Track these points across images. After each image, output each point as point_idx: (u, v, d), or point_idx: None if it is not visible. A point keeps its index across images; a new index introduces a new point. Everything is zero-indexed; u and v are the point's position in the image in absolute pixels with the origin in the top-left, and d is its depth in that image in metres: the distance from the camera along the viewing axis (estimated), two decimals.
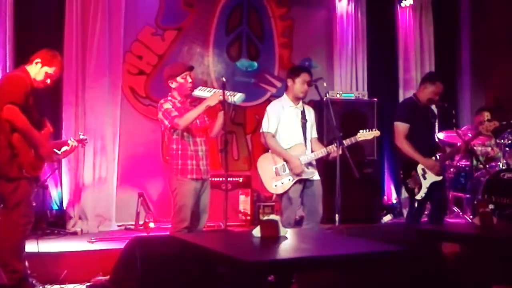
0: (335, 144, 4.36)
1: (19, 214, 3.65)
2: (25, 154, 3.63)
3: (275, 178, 4.49)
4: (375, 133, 4.63)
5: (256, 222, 5.85)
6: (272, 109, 4.60)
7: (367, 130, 4.60)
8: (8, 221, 3.64)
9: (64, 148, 4.07)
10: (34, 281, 3.84)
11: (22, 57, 5.21)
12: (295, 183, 4.45)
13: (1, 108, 3.56)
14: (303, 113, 4.62)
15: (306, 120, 4.61)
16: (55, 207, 5.72)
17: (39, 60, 3.82)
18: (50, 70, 3.87)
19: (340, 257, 2.39)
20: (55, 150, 3.98)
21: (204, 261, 2.77)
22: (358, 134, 4.56)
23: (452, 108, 5.21)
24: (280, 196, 4.50)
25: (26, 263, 3.79)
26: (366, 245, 2.71)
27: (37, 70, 3.81)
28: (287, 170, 4.47)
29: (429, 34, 7.59)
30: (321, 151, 4.53)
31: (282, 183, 4.46)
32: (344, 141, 4.36)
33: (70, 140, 4.13)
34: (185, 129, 4.14)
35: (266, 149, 4.71)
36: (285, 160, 4.49)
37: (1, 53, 5.39)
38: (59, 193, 5.74)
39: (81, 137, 4.35)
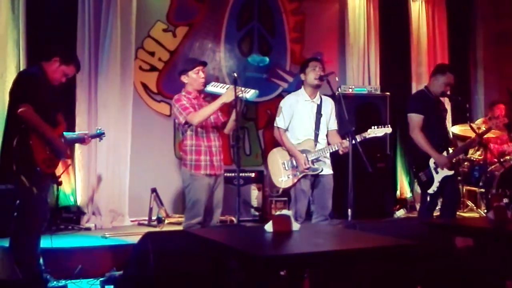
0: (347, 140, 4.34)
1: (37, 211, 3.68)
2: (39, 152, 3.65)
3: (282, 172, 4.51)
4: (386, 129, 4.54)
5: (268, 217, 5.86)
6: (286, 103, 4.60)
7: (378, 126, 4.54)
8: (26, 218, 3.67)
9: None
10: (48, 276, 3.88)
11: (35, 55, 5.27)
12: (301, 178, 4.45)
13: (16, 106, 3.59)
14: (319, 106, 4.60)
15: (321, 115, 4.59)
16: (69, 203, 5.76)
17: (57, 58, 3.84)
18: (67, 69, 3.90)
19: (353, 251, 2.39)
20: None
21: (217, 256, 2.78)
22: (369, 130, 4.50)
23: (466, 102, 5.18)
24: (289, 190, 4.51)
25: (41, 260, 3.83)
26: (378, 240, 2.70)
27: (54, 68, 3.83)
28: (295, 165, 4.48)
29: (442, 28, 7.53)
30: (329, 148, 4.51)
31: (288, 177, 4.48)
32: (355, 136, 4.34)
33: (86, 137, 4.19)
34: (199, 125, 4.15)
35: (277, 144, 4.72)
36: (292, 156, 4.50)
37: (14, 51, 5.44)
38: (72, 189, 5.79)
39: (98, 131, 4.40)
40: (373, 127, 4.52)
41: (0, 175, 3.90)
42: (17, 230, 3.69)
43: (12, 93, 3.75)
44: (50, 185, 3.89)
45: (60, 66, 3.85)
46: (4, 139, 3.77)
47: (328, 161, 4.59)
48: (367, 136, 4.49)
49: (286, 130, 4.57)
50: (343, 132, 4.62)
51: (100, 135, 4.40)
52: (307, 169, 4.43)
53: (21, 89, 3.66)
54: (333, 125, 4.71)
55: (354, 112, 6.26)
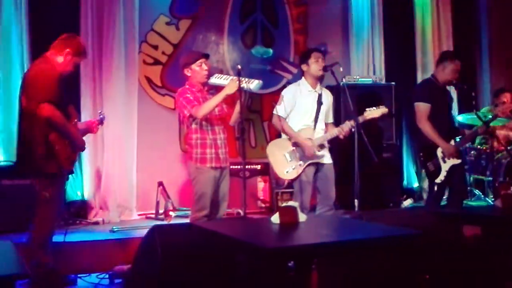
0: (346, 122, 4.34)
1: (51, 209, 3.68)
2: (63, 151, 3.64)
3: (285, 164, 4.50)
4: (383, 109, 4.51)
5: (275, 208, 5.87)
6: (288, 93, 4.59)
7: (374, 107, 4.52)
8: (39, 215, 3.68)
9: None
10: (59, 272, 3.87)
11: (38, 51, 5.25)
12: (306, 167, 4.44)
13: (37, 105, 3.53)
14: (320, 96, 4.59)
15: (322, 103, 4.58)
16: (76, 197, 5.78)
17: (68, 50, 3.79)
18: (78, 59, 3.89)
19: (360, 242, 2.39)
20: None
21: (224, 249, 2.78)
22: (365, 113, 4.48)
23: (472, 90, 5.14)
24: (293, 181, 4.51)
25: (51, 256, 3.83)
26: (385, 230, 2.70)
27: (67, 61, 3.80)
28: (298, 155, 4.47)
29: (447, 15, 7.46)
30: (330, 133, 4.51)
31: (293, 168, 4.47)
32: (352, 121, 4.35)
33: (94, 125, 4.17)
34: (203, 118, 4.15)
35: (280, 135, 4.71)
36: (294, 144, 4.49)
37: (18, 48, 5.45)
38: (80, 183, 5.80)
39: (102, 116, 4.36)
40: (367, 109, 4.49)
41: (20, 170, 3.90)
42: (33, 226, 3.71)
43: (30, 91, 3.63)
44: (67, 182, 3.89)
45: (73, 58, 3.83)
46: (22, 138, 3.74)
47: (328, 150, 4.60)
48: (366, 118, 4.46)
49: (285, 119, 4.56)
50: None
51: (103, 120, 4.37)
52: (315, 153, 4.41)
53: (40, 89, 3.58)
54: (331, 118, 4.73)
55: (359, 102, 6.22)
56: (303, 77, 4.64)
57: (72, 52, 3.80)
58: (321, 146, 4.52)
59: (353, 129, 4.38)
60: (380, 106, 4.54)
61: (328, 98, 4.68)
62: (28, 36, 5.47)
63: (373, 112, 4.49)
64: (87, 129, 4.18)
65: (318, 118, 4.56)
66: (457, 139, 4.81)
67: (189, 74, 4.26)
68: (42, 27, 5.53)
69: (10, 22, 5.42)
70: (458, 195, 4.82)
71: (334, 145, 4.61)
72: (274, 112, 4.60)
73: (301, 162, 4.46)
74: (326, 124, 4.66)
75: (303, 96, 4.55)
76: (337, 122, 5.38)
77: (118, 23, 5.85)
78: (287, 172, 4.49)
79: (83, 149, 3.92)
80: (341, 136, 4.46)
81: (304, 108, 4.54)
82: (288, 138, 4.56)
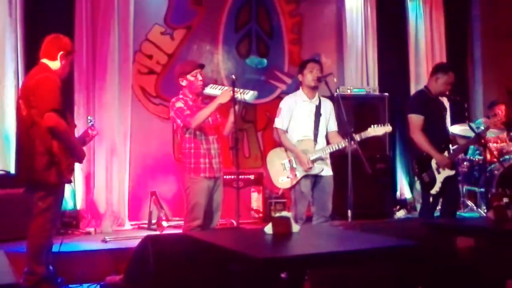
0: (346, 140, 4.34)
1: (47, 219, 3.65)
2: (64, 160, 3.61)
3: (281, 173, 4.51)
4: (387, 128, 4.51)
5: (268, 219, 5.86)
6: (285, 104, 4.60)
7: (379, 125, 4.52)
8: (34, 225, 3.65)
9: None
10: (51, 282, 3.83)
11: (33, 59, 5.25)
12: (302, 178, 4.44)
13: (41, 115, 3.50)
14: (318, 107, 4.60)
15: (321, 114, 4.59)
16: (68, 207, 5.75)
17: (62, 53, 3.74)
18: (71, 57, 3.87)
19: (353, 253, 2.38)
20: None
21: (217, 259, 2.77)
22: (369, 129, 4.47)
23: (465, 102, 5.17)
24: (290, 190, 4.51)
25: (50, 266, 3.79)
26: (379, 241, 2.70)
27: (64, 63, 3.76)
28: (294, 166, 4.47)
29: (440, 27, 7.52)
30: (329, 147, 4.51)
31: (288, 178, 4.48)
32: (354, 136, 4.33)
33: (90, 131, 4.14)
34: (197, 128, 4.15)
35: (277, 145, 4.72)
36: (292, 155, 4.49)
37: (12, 55, 5.44)
38: (72, 193, 5.77)
39: (91, 123, 4.29)
40: (373, 125, 4.49)
41: (18, 181, 3.87)
42: (28, 235, 3.69)
43: (33, 100, 3.56)
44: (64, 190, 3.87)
45: (67, 57, 3.79)
46: (21, 149, 3.70)
47: (328, 162, 4.59)
48: (368, 135, 4.46)
49: (286, 131, 4.57)
50: (342, 133, 4.62)
51: (93, 125, 4.31)
52: (310, 168, 4.42)
53: (45, 98, 3.53)
54: (333, 126, 4.71)
55: (353, 113, 6.25)
56: (300, 88, 4.66)
57: (65, 53, 3.76)
58: (320, 159, 4.51)
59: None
60: (385, 124, 4.53)
61: (327, 107, 4.67)
62: (23, 44, 5.46)
63: (376, 130, 4.47)
64: (83, 138, 4.16)
65: (318, 130, 4.55)
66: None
67: (184, 84, 4.26)
68: (36, 35, 5.48)
69: (4, 30, 5.41)
70: (451, 205, 4.84)
71: (330, 155, 4.60)
72: (274, 125, 4.61)
73: (296, 173, 4.46)
74: (329, 133, 4.65)
75: (298, 106, 4.56)
76: None
77: (112, 33, 5.86)
78: (281, 181, 4.51)
79: (83, 158, 3.86)
80: (347, 150, 4.41)
81: (300, 118, 4.54)
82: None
